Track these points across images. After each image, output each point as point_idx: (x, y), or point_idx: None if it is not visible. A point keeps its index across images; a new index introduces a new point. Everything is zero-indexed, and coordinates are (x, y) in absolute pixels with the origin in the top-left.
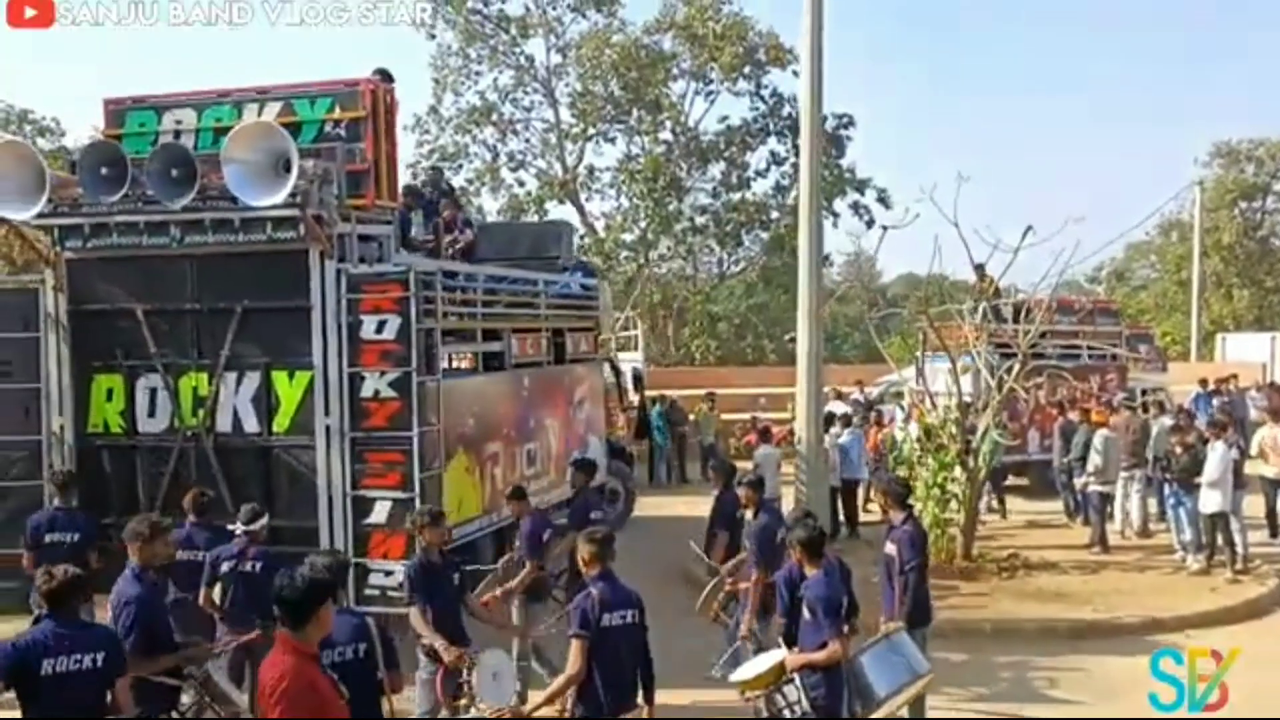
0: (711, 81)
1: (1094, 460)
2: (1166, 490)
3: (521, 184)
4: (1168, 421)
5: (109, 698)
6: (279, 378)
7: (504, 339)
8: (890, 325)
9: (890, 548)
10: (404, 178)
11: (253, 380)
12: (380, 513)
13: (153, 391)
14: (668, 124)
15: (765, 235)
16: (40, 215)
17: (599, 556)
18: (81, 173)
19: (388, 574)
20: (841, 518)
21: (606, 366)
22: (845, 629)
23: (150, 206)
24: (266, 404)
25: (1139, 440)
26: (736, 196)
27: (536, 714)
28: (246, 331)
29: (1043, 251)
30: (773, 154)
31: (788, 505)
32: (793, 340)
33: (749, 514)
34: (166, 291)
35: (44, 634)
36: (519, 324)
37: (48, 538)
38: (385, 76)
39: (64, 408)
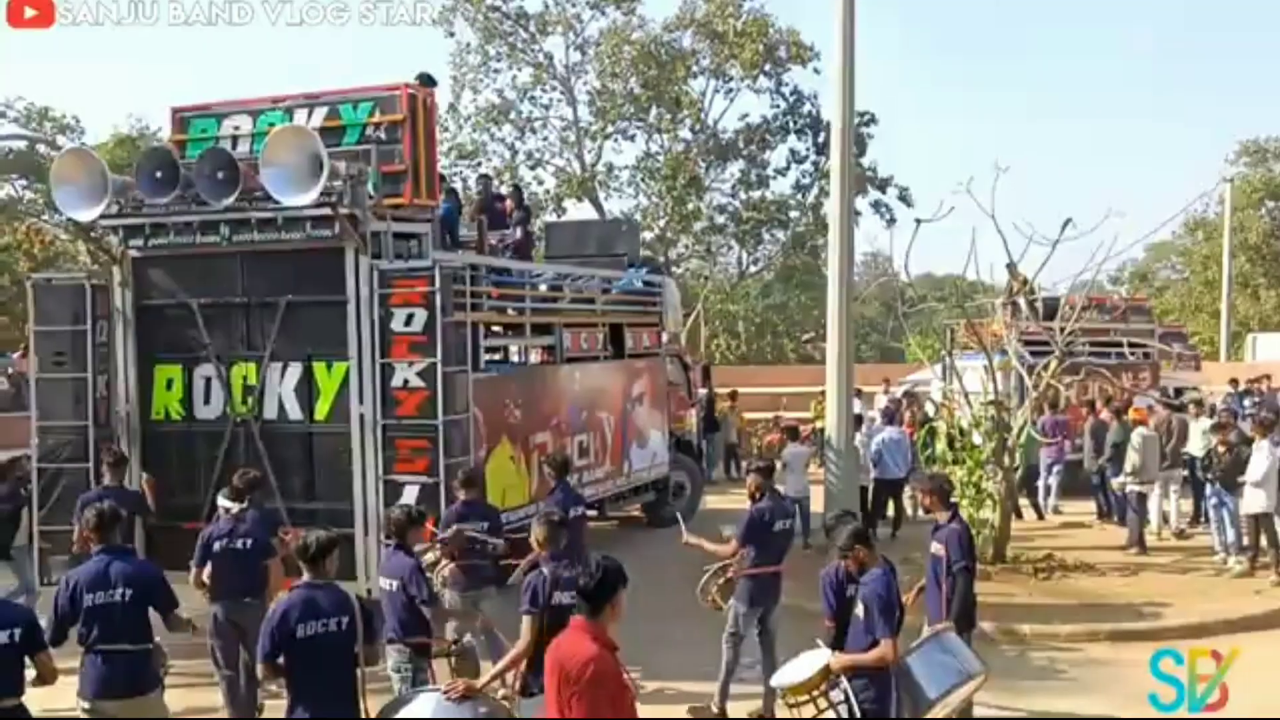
0: (731, 79)
1: (1132, 459)
2: (1208, 490)
3: (540, 182)
4: (1208, 421)
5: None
6: (319, 368)
7: (555, 333)
8: (907, 324)
9: (937, 547)
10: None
11: (295, 370)
12: (409, 497)
13: (208, 381)
14: (687, 122)
15: (785, 234)
16: (104, 216)
17: (550, 538)
18: (138, 176)
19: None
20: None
21: (675, 361)
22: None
23: (201, 207)
24: (308, 393)
25: (1177, 440)
26: (756, 195)
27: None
28: (290, 324)
29: (1067, 250)
30: (793, 152)
31: (817, 505)
32: (809, 341)
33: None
34: (218, 287)
35: None
36: (571, 319)
37: None
38: (427, 81)
39: (130, 395)
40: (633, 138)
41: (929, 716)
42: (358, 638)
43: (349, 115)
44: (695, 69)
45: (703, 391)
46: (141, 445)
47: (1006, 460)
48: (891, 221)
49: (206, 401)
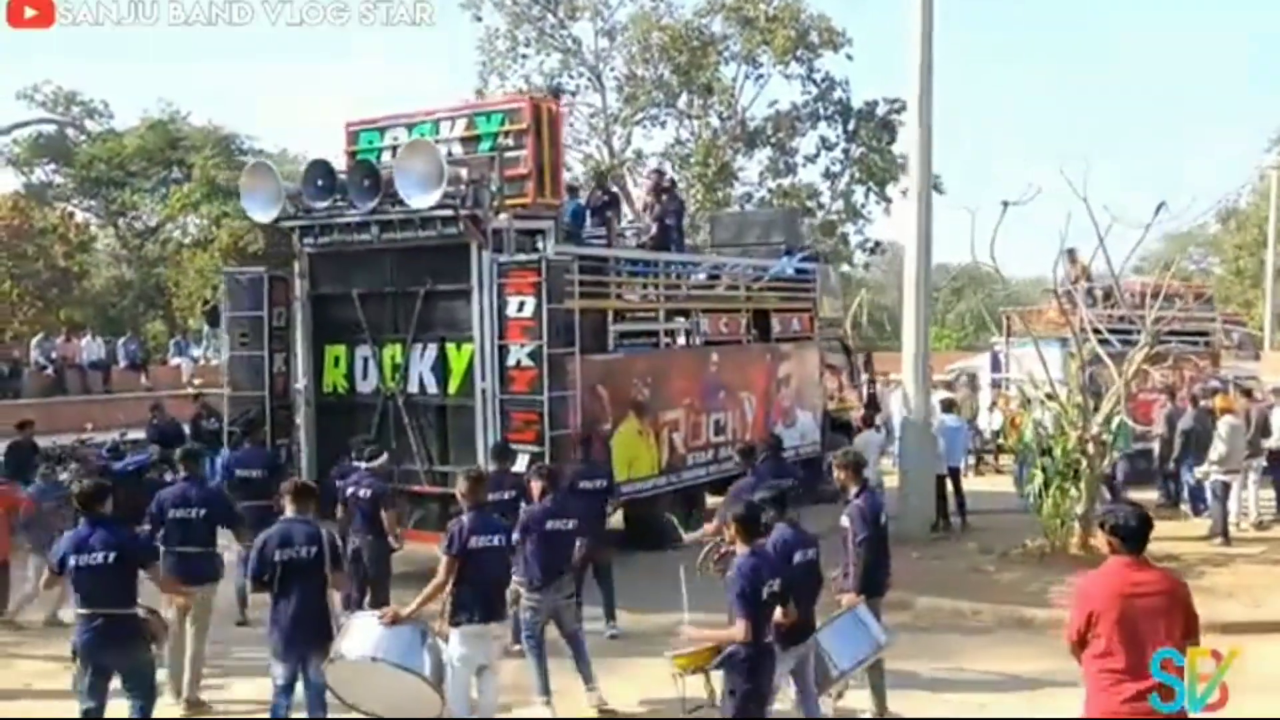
0: (761, 65)
1: (1218, 448)
2: None
3: (568, 168)
4: None
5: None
6: (451, 348)
7: (692, 318)
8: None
9: (844, 520)
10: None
11: (432, 351)
12: (520, 464)
13: (365, 360)
14: (715, 108)
15: (814, 221)
16: (282, 217)
17: (471, 492)
18: (305, 184)
19: None
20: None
21: (837, 346)
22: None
23: (354, 211)
24: (442, 370)
25: (1258, 429)
26: (786, 182)
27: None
28: (428, 310)
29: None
30: (822, 139)
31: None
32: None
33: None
34: (372, 278)
35: (78, 533)
36: (709, 304)
37: (238, 472)
38: (555, 92)
39: (306, 371)
40: (663, 124)
41: (835, 688)
42: (326, 564)
43: (483, 125)
44: (726, 55)
45: (865, 377)
46: (315, 414)
47: (1092, 449)
48: None
49: (364, 377)
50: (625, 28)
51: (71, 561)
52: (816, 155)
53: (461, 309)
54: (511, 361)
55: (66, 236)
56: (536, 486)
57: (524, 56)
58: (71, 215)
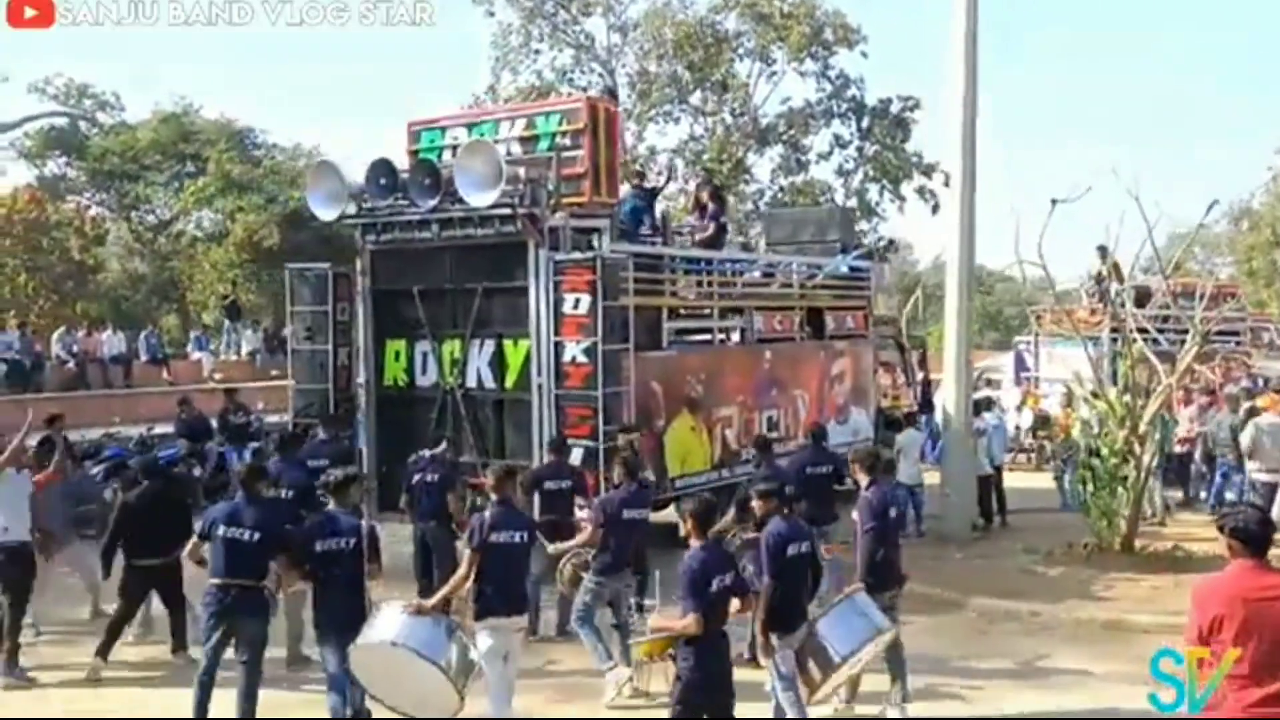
0: (775, 62)
1: (1245, 445)
2: None
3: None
4: None
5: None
6: (508, 344)
7: (746, 315)
8: (929, 313)
9: (855, 514)
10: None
11: (489, 346)
12: (576, 457)
13: (425, 355)
14: (729, 105)
15: None
16: (345, 216)
17: (498, 486)
18: (368, 183)
19: (581, 506)
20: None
21: (892, 343)
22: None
23: (415, 209)
24: (499, 366)
25: None
26: (799, 179)
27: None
28: (486, 307)
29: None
30: (836, 137)
31: (930, 493)
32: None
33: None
34: (432, 275)
35: (234, 505)
36: (762, 302)
37: (309, 462)
38: (611, 94)
39: (367, 365)
40: (676, 120)
41: (838, 676)
42: (364, 555)
43: (542, 125)
44: (740, 52)
45: (920, 375)
46: (376, 407)
47: (1138, 448)
48: (935, 208)
49: (424, 372)
50: (638, 24)
51: (220, 531)
52: (830, 153)
53: (518, 305)
54: (567, 358)
55: (81, 230)
56: (618, 473)
57: (536, 52)
58: (86, 208)
